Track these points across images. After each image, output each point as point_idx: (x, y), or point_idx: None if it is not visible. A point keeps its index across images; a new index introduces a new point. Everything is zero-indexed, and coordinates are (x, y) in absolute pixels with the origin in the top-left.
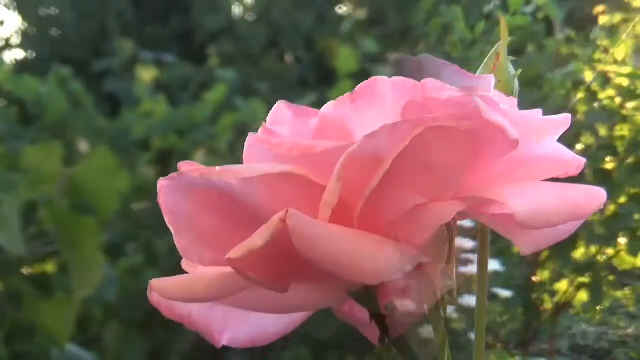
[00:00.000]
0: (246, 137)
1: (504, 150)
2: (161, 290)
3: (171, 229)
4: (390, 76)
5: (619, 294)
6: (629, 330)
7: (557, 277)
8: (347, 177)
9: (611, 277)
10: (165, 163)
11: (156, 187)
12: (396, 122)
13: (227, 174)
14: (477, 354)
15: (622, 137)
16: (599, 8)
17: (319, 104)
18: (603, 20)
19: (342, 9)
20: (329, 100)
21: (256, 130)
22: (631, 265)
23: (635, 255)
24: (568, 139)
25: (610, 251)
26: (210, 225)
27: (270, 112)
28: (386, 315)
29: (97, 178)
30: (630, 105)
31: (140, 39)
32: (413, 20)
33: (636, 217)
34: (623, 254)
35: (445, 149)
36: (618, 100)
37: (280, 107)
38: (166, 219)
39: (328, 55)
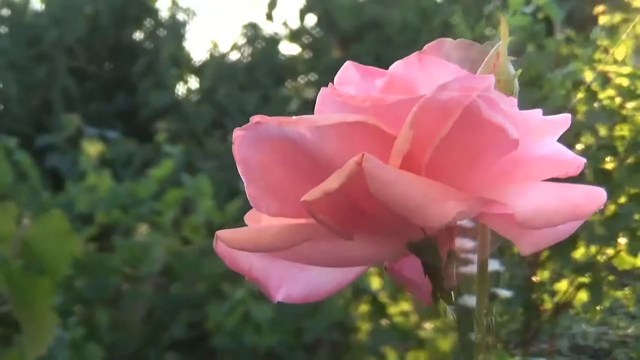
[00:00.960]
0: (191, 213)
1: (504, 150)
2: (228, 239)
3: (243, 178)
4: None
5: (619, 294)
6: (629, 330)
7: (557, 277)
8: (418, 126)
9: (611, 277)
10: (107, 238)
11: (97, 262)
12: (466, 74)
13: (302, 123)
14: (478, 354)
15: (622, 137)
16: (599, 8)
17: None
18: (603, 20)
19: (287, 89)
20: None
21: (201, 206)
22: (631, 265)
23: (635, 255)
24: (568, 139)
25: (610, 251)
26: (280, 177)
27: (338, 72)
28: (440, 269)
29: (50, 240)
30: (630, 105)
31: (84, 115)
32: None
33: (636, 217)
34: (623, 254)
35: (483, 116)
36: (618, 100)
37: (348, 68)
38: (239, 169)
39: None
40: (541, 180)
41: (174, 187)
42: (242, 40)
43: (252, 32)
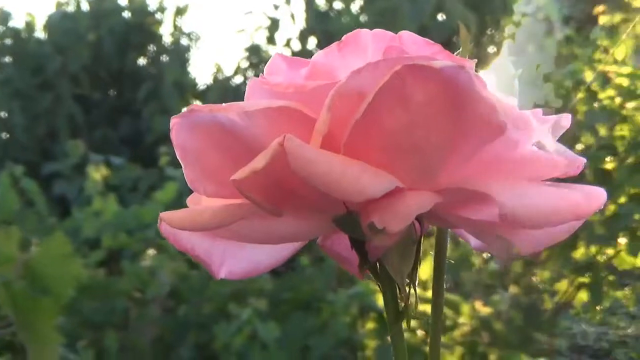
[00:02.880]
0: None
1: (489, 135)
2: (169, 220)
3: (181, 162)
4: None
5: (619, 294)
6: (629, 330)
7: (557, 277)
8: (336, 109)
9: (611, 277)
10: (116, 262)
11: (104, 286)
12: (378, 60)
13: (231, 109)
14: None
15: (622, 137)
16: (599, 8)
17: None
18: (603, 20)
19: None
20: None
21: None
22: (631, 265)
23: (635, 255)
24: (568, 139)
25: (610, 251)
26: (214, 161)
27: (267, 63)
28: (364, 242)
29: (54, 263)
30: (630, 105)
31: (89, 142)
32: None
33: (636, 217)
34: (623, 254)
35: (421, 92)
36: (618, 100)
37: (276, 59)
38: (177, 154)
39: None
40: (541, 180)
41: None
42: (245, 64)
43: (255, 55)
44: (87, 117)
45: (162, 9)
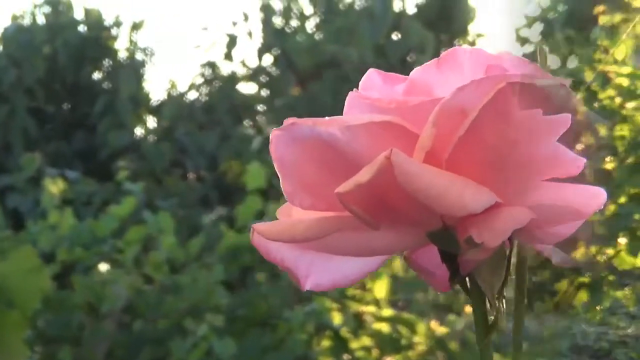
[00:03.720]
0: (153, 250)
1: (581, 151)
2: (264, 232)
3: (279, 175)
4: None
5: (619, 294)
6: (629, 330)
7: (557, 277)
8: (440, 125)
9: (611, 277)
10: (68, 276)
11: (59, 300)
12: (482, 77)
13: (333, 123)
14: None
15: (622, 137)
16: (599, 8)
17: (227, 220)
18: (603, 20)
19: (247, 127)
20: (236, 216)
21: (163, 243)
22: (631, 265)
23: (635, 255)
24: (568, 139)
25: (610, 251)
26: (312, 174)
27: (362, 78)
28: (456, 255)
29: (20, 276)
30: (630, 105)
31: (44, 155)
32: None
33: (636, 217)
34: (623, 254)
35: (524, 109)
36: (618, 100)
37: (371, 74)
38: (275, 166)
39: (229, 174)
40: (541, 180)
41: (135, 225)
42: (199, 80)
43: (210, 71)
44: (41, 130)
45: (118, 24)
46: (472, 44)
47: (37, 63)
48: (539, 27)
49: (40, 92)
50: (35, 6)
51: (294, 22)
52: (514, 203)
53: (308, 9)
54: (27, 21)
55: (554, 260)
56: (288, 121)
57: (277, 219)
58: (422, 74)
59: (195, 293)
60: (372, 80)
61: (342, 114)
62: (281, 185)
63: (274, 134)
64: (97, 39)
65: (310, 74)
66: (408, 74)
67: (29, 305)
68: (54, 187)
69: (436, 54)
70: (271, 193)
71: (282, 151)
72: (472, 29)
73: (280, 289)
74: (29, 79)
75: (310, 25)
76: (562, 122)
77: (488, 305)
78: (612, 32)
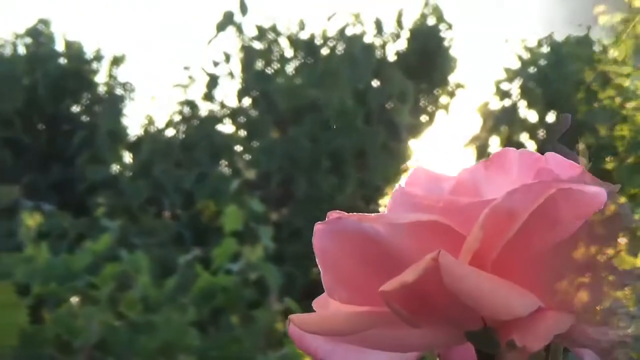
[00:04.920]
0: (126, 288)
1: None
2: (302, 323)
3: (320, 267)
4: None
5: (619, 294)
6: (629, 330)
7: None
8: (487, 227)
9: (611, 277)
10: (39, 309)
11: (31, 334)
12: (533, 182)
13: (379, 220)
14: None
15: (622, 137)
16: (599, 8)
17: (202, 260)
18: (603, 20)
19: (225, 168)
20: (212, 258)
21: (138, 282)
22: (631, 265)
23: (635, 255)
24: (568, 139)
25: (610, 251)
26: (353, 268)
27: (408, 174)
28: (494, 356)
29: None
30: (630, 105)
31: (20, 187)
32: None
33: (636, 217)
34: (623, 254)
35: (572, 216)
36: (618, 100)
37: (418, 171)
38: (317, 259)
39: (206, 214)
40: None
41: (109, 261)
42: (177, 117)
43: (188, 109)
44: (17, 161)
45: (98, 57)
46: (452, 94)
47: (16, 93)
48: (518, 81)
49: (18, 123)
50: (16, 36)
51: (275, 65)
52: (555, 308)
53: (288, 52)
54: (7, 51)
55: None
56: (333, 214)
57: (250, 262)
58: (470, 174)
59: (168, 333)
60: (418, 177)
61: (320, 159)
62: (321, 278)
63: (318, 227)
64: (77, 72)
65: (290, 117)
66: (387, 121)
67: (6, 341)
68: (31, 220)
69: (416, 103)
70: (247, 236)
71: (325, 243)
72: (453, 79)
73: (253, 332)
74: (7, 109)
75: (290, 69)
76: (608, 231)
77: None
78: (612, 32)
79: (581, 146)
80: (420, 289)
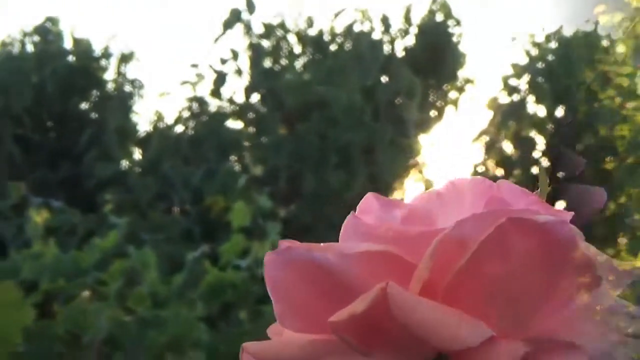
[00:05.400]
0: (134, 284)
1: (584, 288)
2: (255, 352)
3: (271, 297)
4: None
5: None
6: (629, 330)
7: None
8: (438, 257)
9: (611, 277)
10: (49, 305)
11: (40, 329)
12: (483, 212)
13: (329, 249)
14: None
15: (622, 137)
16: (600, 8)
17: (210, 256)
18: (603, 20)
19: (234, 164)
20: (219, 253)
21: (146, 278)
22: (631, 266)
23: (635, 255)
24: (567, 139)
25: (610, 251)
26: (304, 297)
27: (360, 202)
28: None
29: (3, 310)
30: (630, 105)
31: (28, 183)
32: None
33: (636, 217)
34: (623, 254)
35: (523, 246)
36: (618, 100)
37: (369, 199)
38: (268, 289)
39: (214, 210)
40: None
41: (117, 258)
42: (186, 114)
43: (197, 106)
44: (27, 158)
45: (107, 55)
46: (461, 89)
47: (24, 91)
48: (527, 76)
49: (27, 120)
50: (24, 34)
51: (283, 61)
52: (509, 336)
53: (297, 48)
54: (15, 49)
55: None
56: (283, 244)
57: (259, 257)
58: (422, 202)
59: (176, 328)
60: (370, 204)
61: (329, 155)
62: (273, 308)
63: (268, 257)
64: (85, 69)
65: (298, 114)
66: (396, 117)
67: (11, 339)
68: (39, 216)
69: (424, 98)
70: (255, 232)
71: (276, 273)
72: (461, 74)
73: (262, 327)
74: (16, 106)
75: (298, 65)
76: (561, 260)
77: None
78: (612, 32)
79: (540, 172)
80: (370, 319)
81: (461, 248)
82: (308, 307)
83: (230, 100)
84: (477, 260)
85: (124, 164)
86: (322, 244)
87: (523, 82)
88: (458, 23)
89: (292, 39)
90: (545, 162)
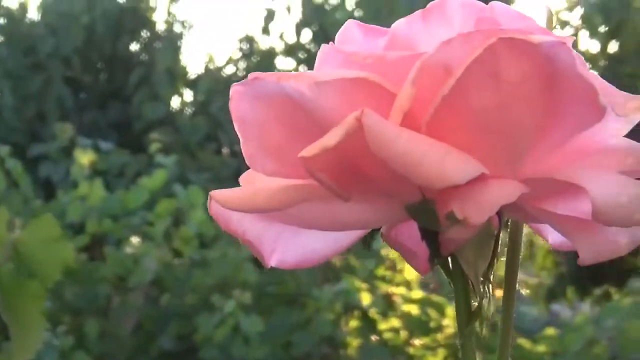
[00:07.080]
0: (182, 224)
1: (587, 120)
2: (222, 200)
3: (239, 136)
4: None
5: None
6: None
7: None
8: (420, 84)
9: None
10: (98, 248)
11: (87, 272)
12: (470, 31)
13: (301, 78)
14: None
15: None
16: None
17: None
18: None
19: None
20: None
21: (193, 218)
22: (631, 266)
23: (635, 255)
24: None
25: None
26: (277, 136)
27: (339, 31)
28: (438, 233)
29: (41, 245)
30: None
31: (78, 125)
32: None
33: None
34: None
35: (516, 70)
36: None
37: (350, 26)
38: (235, 126)
39: None
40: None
41: (165, 198)
42: (237, 54)
43: (248, 45)
44: (76, 100)
45: None
46: None
47: (74, 32)
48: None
49: (76, 62)
50: None
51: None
52: (503, 175)
53: None
54: None
55: (551, 241)
56: (251, 76)
57: None
58: (406, 27)
59: (223, 269)
60: (351, 33)
61: None
62: (242, 148)
63: (234, 89)
64: (135, 10)
65: None
66: None
67: (50, 277)
68: (85, 157)
69: None
70: None
71: (244, 109)
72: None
73: (309, 267)
74: (66, 48)
75: (350, 3)
76: (559, 86)
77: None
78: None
79: (547, 13)
80: (346, 154)
81: (446, 73)
82: (281, 147)
83: (281, 37)
84: (464, 86)
85: (174, 105)
86: (293, 72)
87: (575, 16)
88: None
89: None
90: None
